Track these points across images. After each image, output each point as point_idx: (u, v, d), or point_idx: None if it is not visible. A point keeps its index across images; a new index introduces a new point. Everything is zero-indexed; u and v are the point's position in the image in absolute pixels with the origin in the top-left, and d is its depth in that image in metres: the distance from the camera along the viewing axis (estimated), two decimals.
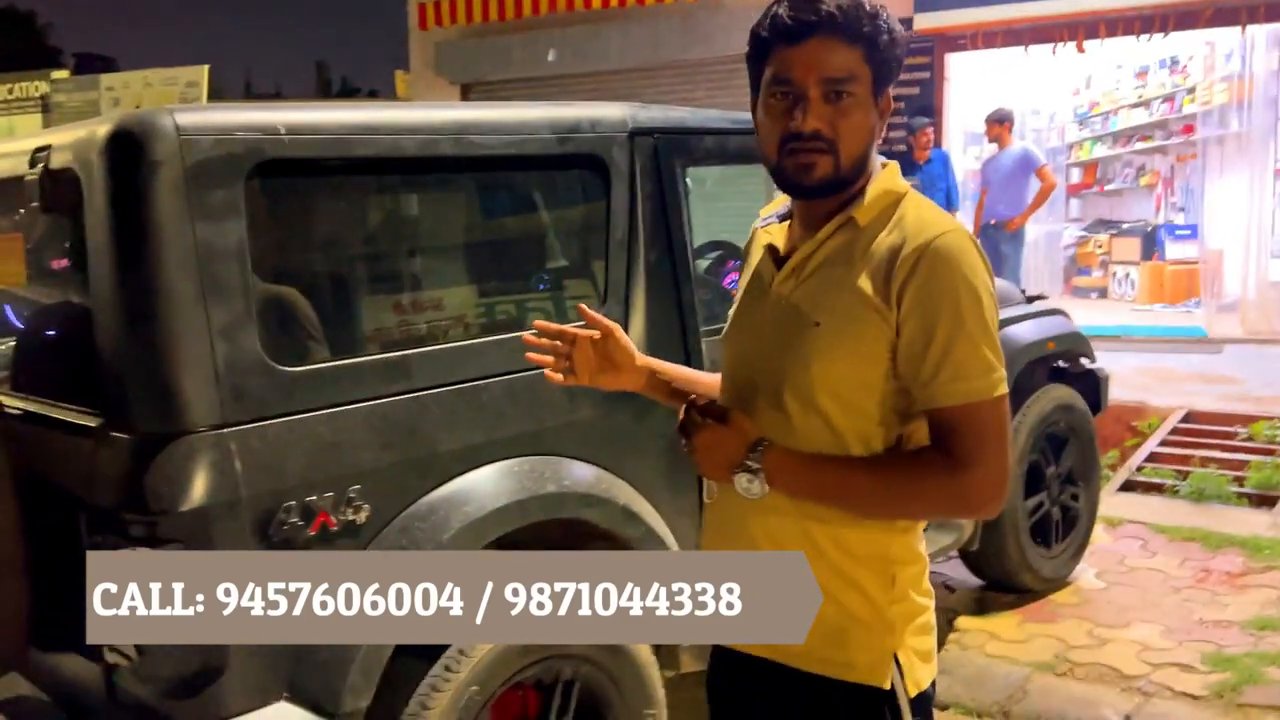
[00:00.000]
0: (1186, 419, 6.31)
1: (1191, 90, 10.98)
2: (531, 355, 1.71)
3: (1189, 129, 11.28)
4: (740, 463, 1.44)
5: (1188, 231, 11.33)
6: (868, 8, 1.40)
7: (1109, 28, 8.37)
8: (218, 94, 13.43)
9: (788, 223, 1.58)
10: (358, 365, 2.22)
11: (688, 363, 2.76)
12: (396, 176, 2.46)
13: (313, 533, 2.09)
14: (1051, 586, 4.26)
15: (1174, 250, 11.27)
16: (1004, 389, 1.39)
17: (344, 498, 2.14)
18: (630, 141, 2.69)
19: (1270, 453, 5.66)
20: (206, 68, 9.24)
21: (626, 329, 2.66)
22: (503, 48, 10.37)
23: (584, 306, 1.70)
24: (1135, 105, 12.25)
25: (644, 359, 1.74)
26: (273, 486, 2.04)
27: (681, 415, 1.52)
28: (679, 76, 9.82)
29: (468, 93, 10.98)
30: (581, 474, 2.53)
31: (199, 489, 1.95)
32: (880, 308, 1.40)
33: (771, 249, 1.57)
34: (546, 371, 1.71)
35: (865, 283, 1.42)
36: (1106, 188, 13.73)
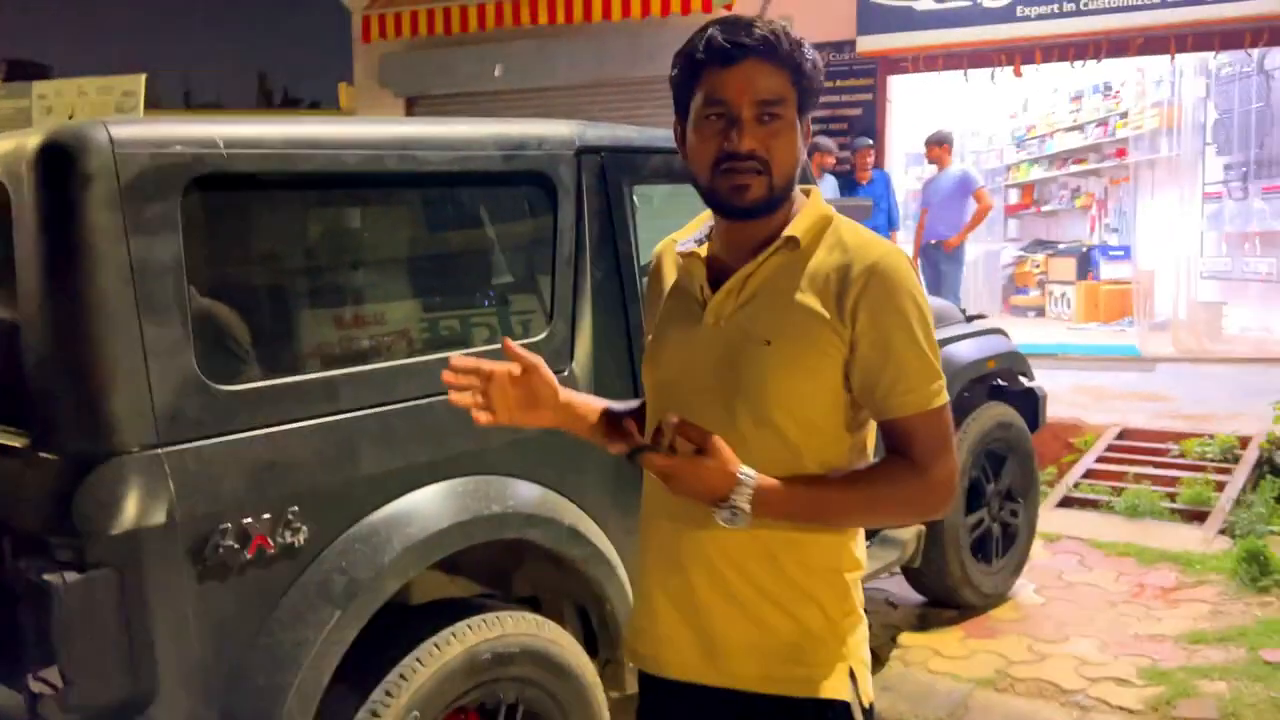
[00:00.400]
0: (1121, 436, 6.45)
1: (1124, 115, 11.30)
2: (453, 396, 1.54)
3: (1122, 152, 11.60)
4: (726, 498, 1.39)
5: (1121, 252, 11.64)
6: (793, 35, 1.45)
7: (1045, 54, 8.57)
8: (155, 104, 13.15)
9: (705, 246, 1.57)
10: (297, 383, 2.17)
11: (633, 377, 2.76)
12: (339, 192, 2.42)
13: (249, 556, 2.04)
14: (992, 602, 4.31)
15: (1108, 270, 11.56)
16: (947, 395, 1.48)
17: (282, 519, 2.09)
18: (577, 159, 2.68)
19: (1201, 469, 5.80)
20: (144, 76, 9.01)
21: (572, 348, 2.65)
22: (449, 61, 10.32)
23: (508, 340, 1.59)
24: (1070, 129, 12.57)
25: (566, 394, 1.64)
26: (208, 509, 1.98)
27: (651, 435, 1.45)
28: (625, 94, 9.84)
29: (413, 106, 10.90)
30: (526, 493, 2.51)
31: (130, 512, 1.89)
32: (834, 324, 1.44)
33: (705, 270, 1.55)
34: (472, 412, 1.54)
35: (815, 301, 1.45)
36: (1043, 209, 14.06)
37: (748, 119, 1.42)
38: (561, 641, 2.53)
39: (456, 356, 1.58)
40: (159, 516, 1.92)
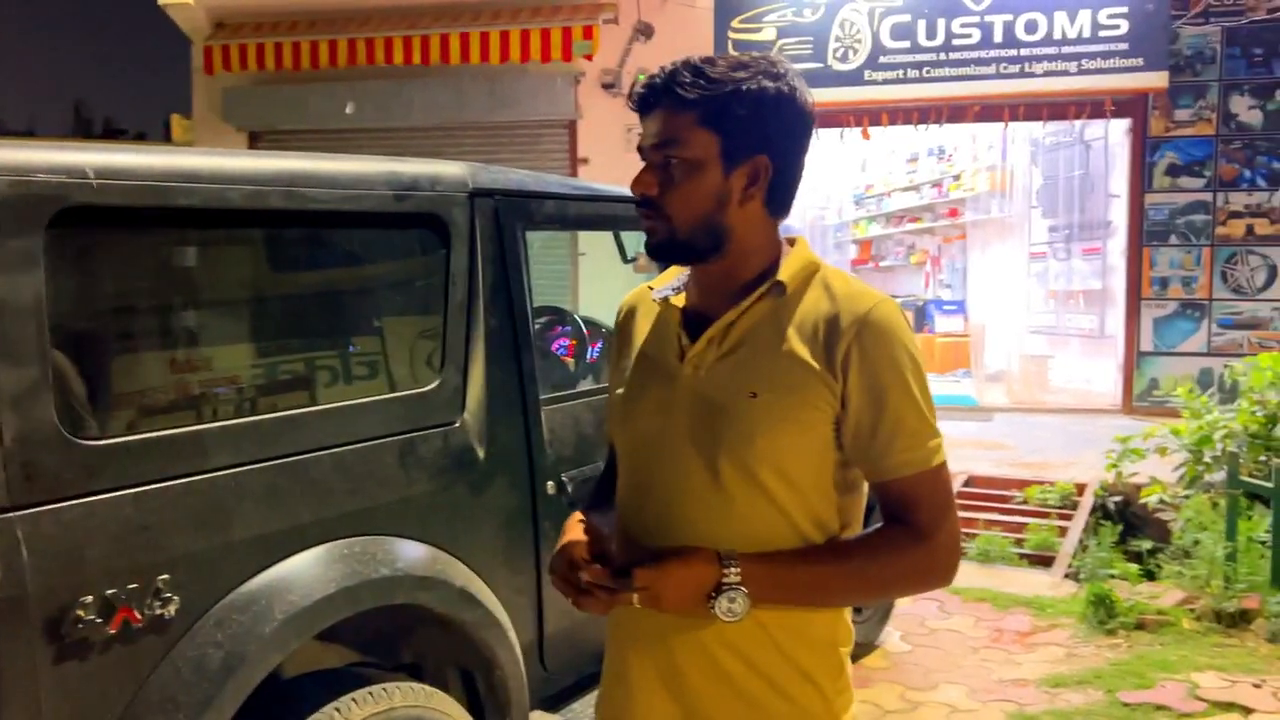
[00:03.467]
0: (968, 484, 6.71)
1: (957, 177, 11.95)
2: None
3: (954, 212, 12.25)
4: (717, 585, 1.30)
5: (954, 306, 12.25)
6: (711, 71, 1.36)
7: (890, 117, 8.97)
8: None
9: (681, 295, 1.50)
10: (170, 438, 1.97)
11: (526, 429, 2.65)
12: (220, 230, 2.23)
13: (113, 631, 1.83)
14: (861, 651, 4.35)
15: (943, 324, 12.13)
16: (944, 453, 1.40)
17: (151, 589, 1.88)
18: (471, 202, 2.58)
19: (1045, 515, 6.08)
20: None
21: (464, 398, 2.52)
22: (297, 97, 9.97)
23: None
24: (906, 189, 13.20)
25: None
26: (67, 579, 1.76)
27: (624, 581, 1.33)
28: (484, 138, 9.75)
29: (256, 141, 10.47)
30: (415, 555, 2.35)
31: None
32: (824, 377, 1.36)
33: (681, 318, 1.47)
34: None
35: (804, 351, 1.37)
36: (881, 264, 14.68)
37: (650, 163, 1.41)
38: (451, 712, 2.38)
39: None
40: (10, 589, 1.69)
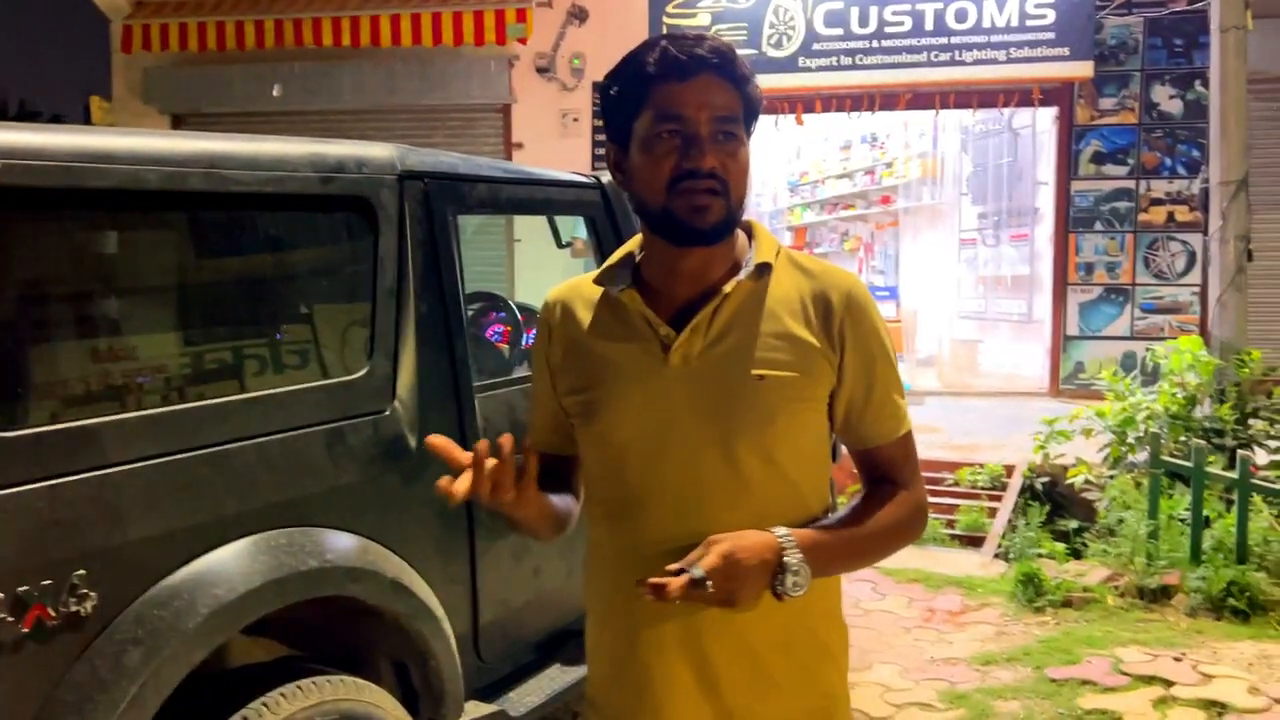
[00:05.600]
0: None
1: (889, 165, 12.07)
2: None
3: (886, 199, 12.38)
4: (778, 564, 1.28)
5: (887, 293, 12.38)
6: (739, 56, 1.37)
7: (824, 104, 9.03)
8: None
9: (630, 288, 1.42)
10: (85, 429, 1.89)
11: (460, 417, 2.61)
12: (136, 213, 2.15)
13: (26, 629, 1.76)
14: None
15: None
16: None
17: (65, 585, 1.82)
18: (400, 184, 2.52)
19: (975, 497, 6.20)
20: None
21: (394, 386, 2.47)
22: (222, 78, 9.72)
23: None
24: (840, 176, 13.31)
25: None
26: None
27: (687, 577, 1.25)
28: (415, 121, 9.60)
29: (179, 124, 10.17)
30: (345, 546, 2.31)
31: None
32: (825, 352, 1.40)
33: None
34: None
35: (801, 329, 1.39)
36: (815, 250, 14.79)
37: (706, 135, 1.32)
38: (385, 705, 2.34)
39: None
40: None
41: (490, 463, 1.30)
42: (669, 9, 9.01)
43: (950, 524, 5.89)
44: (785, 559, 1.29)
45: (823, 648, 1.45)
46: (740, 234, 1.45)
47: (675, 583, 1.22)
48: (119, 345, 2.13)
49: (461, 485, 1.28)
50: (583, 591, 1.57)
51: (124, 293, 2.21)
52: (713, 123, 1.33)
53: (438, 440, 1.32)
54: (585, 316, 1.48)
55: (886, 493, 1.44)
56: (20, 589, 1.75)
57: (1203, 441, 5.18)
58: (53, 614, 1.80)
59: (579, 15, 9.30)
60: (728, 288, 1.38)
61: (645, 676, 1.42)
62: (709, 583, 1.24)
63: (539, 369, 1.56)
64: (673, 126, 1.33)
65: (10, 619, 1.73)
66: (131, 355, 2.14)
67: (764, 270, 1.40)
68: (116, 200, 2.03)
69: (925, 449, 7.10)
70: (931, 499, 6.17)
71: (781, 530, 1.31)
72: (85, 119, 14.28)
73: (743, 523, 1.33)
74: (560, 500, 1.51)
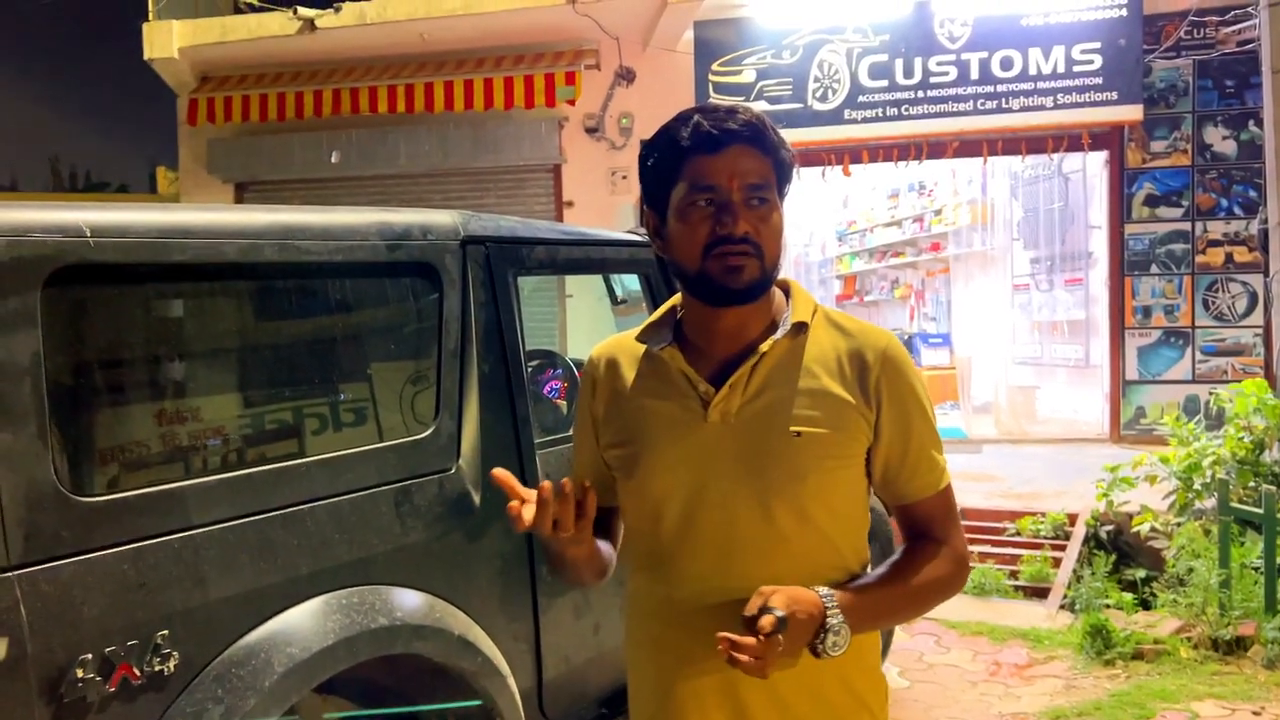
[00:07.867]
0: (961, 516, 6.70)
1: (938, 211, 12.06)
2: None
3: (936, 246, 12.35)
4: (821, 626, 1.31)
5: (940, 339, 12.29)
6: (770, 124, 1.43)
7: (871, 154, 9.07)
8: None
9: (671, 345, 1.49)
10: (168, 493, 1.97)
11: (521, 473, 2.65)
12: (215, 284, 2.25)
13: (112, 689, 1.82)
14: None
15: (929, 357, 12.16)
16: None
17: (149, 646, 1.88)
18: (463, 249, 2.60)
19: (1038, 546, 6.08)
20: None
21: (459, 444, 2.53)
22: (282, 147, 10.03)
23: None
24: (889, 224, 13.31)
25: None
26: (66, 638, 1.76)
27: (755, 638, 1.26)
28: (469, 183, 9.81)
29: (242, 192, 10.51)
30: (413, 604, 2.35)
31: None
32: (860, 409, 1.43)
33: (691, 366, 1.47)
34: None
35: (837, 386, 1.43)
36: (865, 298, 14.78)
37: (738, 202, 1.39)
38: None
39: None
40: (9, 649, 1.68)
41: (553, 501, 1.35)
42: (715, 67, 9.14)
43: (1014, 574, 5.79)
44: (828, 620, 1.32)
45: (858, 701, 1.46)
46: (778, 293, 1.50)
47: (766, 620, 1.25)
48: (199, 410, 2.21)
49: (529, 512, 1.34)
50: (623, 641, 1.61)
51: (202, 360, 2.30)
52: (745, 190, 1.39)
53: (501, 474, 1.38)
54: (629, 372, 1.54)
55: (927, 550, 1.46)
56: (107, 649, 1.81)
57: (1273, 488, 5.06)
58: (138, 673, 1.86)
59: (626, 76, 9.49)
60: (765, 346, 1.44)
61: (678, 711, 1.47)
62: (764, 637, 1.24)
63: (582, 421, 1.61)
64: (707, 196, 1.40)
65: (98, 678, 1.79)
66: (211, 420, 2.22)
67: (800, 329, 1.46)
68: (196, 273, 2.12)
69: (985, 498, 7.02)
70: (993, 549, 6.15)
71: (824, 590, 1.34)
72: (151, 188, 14.77)
73: (777, 577, 1.35)
74: (604, 546, 1.56)
